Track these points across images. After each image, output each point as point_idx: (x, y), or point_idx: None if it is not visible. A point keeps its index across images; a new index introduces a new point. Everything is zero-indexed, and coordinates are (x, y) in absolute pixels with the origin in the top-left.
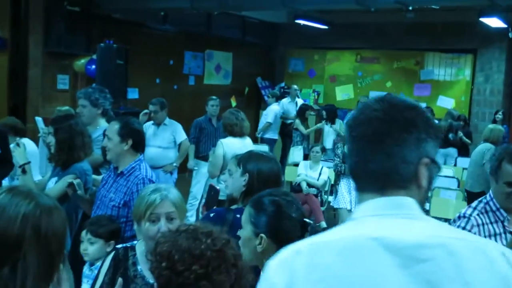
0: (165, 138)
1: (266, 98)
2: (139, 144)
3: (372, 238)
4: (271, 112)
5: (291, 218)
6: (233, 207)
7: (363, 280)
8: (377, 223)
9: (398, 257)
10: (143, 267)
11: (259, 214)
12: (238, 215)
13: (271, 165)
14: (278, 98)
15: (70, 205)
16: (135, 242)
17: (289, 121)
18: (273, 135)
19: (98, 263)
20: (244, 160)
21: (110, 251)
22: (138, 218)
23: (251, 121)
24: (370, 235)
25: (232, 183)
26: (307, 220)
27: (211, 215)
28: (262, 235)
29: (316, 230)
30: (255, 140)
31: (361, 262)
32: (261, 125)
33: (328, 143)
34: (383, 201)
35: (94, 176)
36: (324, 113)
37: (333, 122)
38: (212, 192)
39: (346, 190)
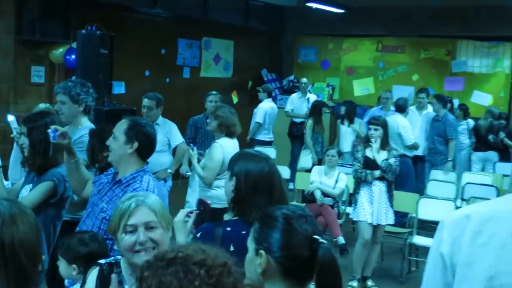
0: (158, 140)
1: (273, 93)
2: (146, 151)
3: None
4: (261, 110)
5: (300, 233)
6: (225, 218)
7: None
8: None
9: None
10: (129, 284)
11: (262, 228)
12: (228, 228)
13: (261, 165)
14: (286, 92)
15: (47, 215)
16: (119, 257)
17: (299, 120)
18: (265, 136)
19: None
20: (232, 161)
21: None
22: (112, 230)
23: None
24: None
25: (225, 189)
26: (317, 237)
27: (198, 235)
28: (261, 251)
29: (328, 252)
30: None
31: None
32: (251, 126)
33: (346, 145)
34: None
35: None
36: (343, 109)
37: (351, 121)
38: (201, 207)
39: (367, 200)
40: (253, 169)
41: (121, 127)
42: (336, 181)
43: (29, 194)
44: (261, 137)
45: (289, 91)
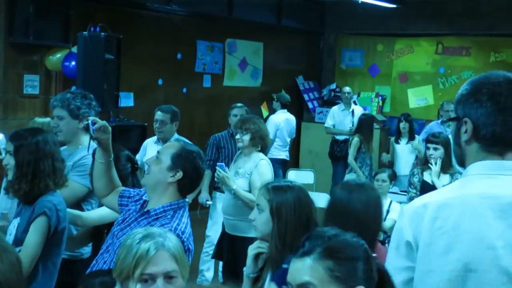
0: None
1: (311, 105)
2: (188, 185)
3: (480, 196)
4: (271, 124)
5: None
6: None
7: (471, 229)
8: (486, 182)
9: (499, 211)
10: None
11: (346, 264)
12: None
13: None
14: (326, 104)
15: (44, 255)
16: None
17: (342, 138)
18: (278, 153)
19: None
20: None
21: None
22: (122, 277)
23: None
24: (479, 194)
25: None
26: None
27: None
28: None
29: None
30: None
31: (471, 216)
32: None
33: (403, 167)
34: (497, 163)
35: (73, 211)
36: (406, 125)
37: (412, 137)
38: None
39: None
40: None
41: (169, 150)
42: (387, 212)
43: (27, 242)
44: (275, 154)
45: (330, 103)
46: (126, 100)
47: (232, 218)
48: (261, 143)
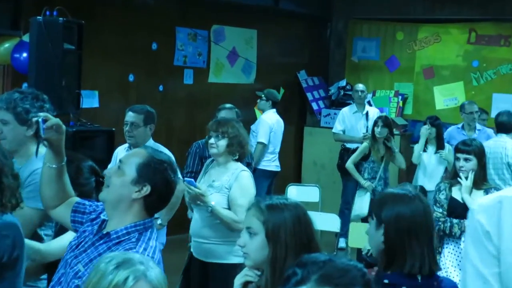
0: None
1: (316, 106)
2: (157, 203)
3: None
4: (264, 125)
5: None
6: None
7: None
8: None
9: None
10: None
11: None
12: (386, 281)
13: (414, 205)
14: (334, 105)
15: None
16: None
17: (354, 146)
18: (269, 164)
19: None
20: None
21: None
22: None
23: (291, 144)
24: None
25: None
26: None
27: None
28: None
29: None
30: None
31: None
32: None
33: (429, 181)
34: None
35: (30, 244)
36: (432, 131)
37: (441, 147)
38: None
39: (454, 264)
40: (405, 212)
41: (133, 159)
42: None
43: None
44: (265, 165)
45: (338, 103)
46: (90, 100)
47: (206, 242)
48: (240, 151)
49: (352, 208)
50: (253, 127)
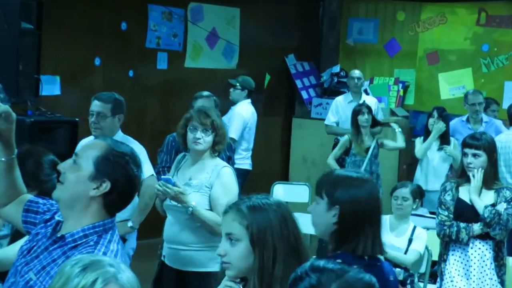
0: None
1: (306, 95)
2: (118, 201)
3: None
4: (238, 118)
5: None
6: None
7: None
8: None
9: None
10: None
11: None
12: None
13: (368, 189)
14: (326, 94)
15: None
16: None
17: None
18: (243, 161)
19: None
20: (327, 186)
21: None
22: None
23: (277, 137)
24: None
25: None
26: None
27: None
28: None
29: None
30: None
31: None
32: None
33: (432, 180)
34: None
35: None
36: (441, 125)
37: (446, 141)
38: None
39: (461, 273)
40: (361, 195)
41: (91, 151)
42: (410, 241)
43: None
44: (238, 163)
45: (331, 92)
46: (50, 87)
47: (185, 249)
48: (222, 148)
49: None
50: (224, 119)
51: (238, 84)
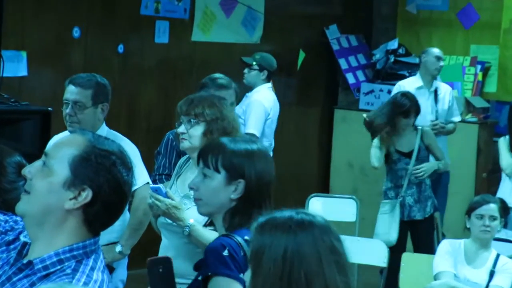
0: None
1: (353, 79)
2: (103, 215)
3: None
4: (257, 107)
5: None
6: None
7: None
8: None
9: None
10: None
11: None
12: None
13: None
14: (379, 76)
15: None
16: None
17: None
18: None
19: None
20: (228, 158)
21: None
22: None
23: (314, 135)
24: None
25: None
26: None
27: (225, 252)
28: None
29: None
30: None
31: None
32: None
33: None
34: None
35: None
36: None
37: None
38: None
39: None
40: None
41: (65, 150)
42: (491, 275)
43: None
44: None
45: (387, 75)
46: (14, 66)
47: (181, 282)
48: None
49: (375, 231)
50: (237, 110)
51: (254, 63)
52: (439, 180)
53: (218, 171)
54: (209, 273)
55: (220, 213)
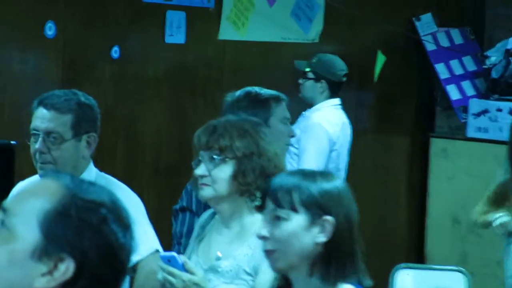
0: None
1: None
2: None
3: None
4: (315, 132)
5: None
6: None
7: None
8: None
9: None
10: None
11: None
12: None
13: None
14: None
15: None
16: None
17: None
18: None
19: None
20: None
21: None
22: None
23: (401, 175)
24: None
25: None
26: None
27: None
28: None
29: None
30: None
31: None
32: None
33: None
34: None
35: None
36: None
37: None
38: None
39: None
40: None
41: (33, 202)
42: None
43: None
44: None
45: (508, 86)
46: None
47: None
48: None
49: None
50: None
51: (309, 69)
52: None
53: (296, 210)
54: None
55: (301, 265)
